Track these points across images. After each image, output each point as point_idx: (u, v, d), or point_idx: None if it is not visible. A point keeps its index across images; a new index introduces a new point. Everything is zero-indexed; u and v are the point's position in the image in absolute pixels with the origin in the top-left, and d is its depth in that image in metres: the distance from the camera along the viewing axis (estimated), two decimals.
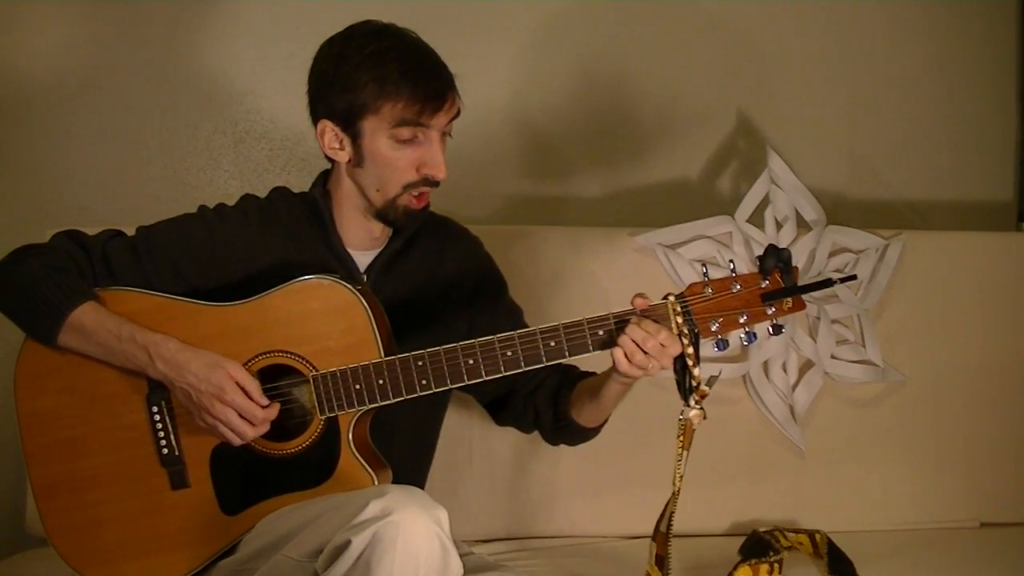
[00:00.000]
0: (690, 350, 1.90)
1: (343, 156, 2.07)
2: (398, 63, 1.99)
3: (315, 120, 2.08)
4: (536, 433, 2.28)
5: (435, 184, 2.06)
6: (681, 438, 1.96)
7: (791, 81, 3.10)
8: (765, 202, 2.75)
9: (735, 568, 2.29)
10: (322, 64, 2.05)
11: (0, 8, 2.88)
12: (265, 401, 1.97)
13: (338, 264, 2.12)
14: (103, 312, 2.00)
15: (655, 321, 1.89)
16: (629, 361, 1.89)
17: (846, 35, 3.10)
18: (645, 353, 1.88)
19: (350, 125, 2.03)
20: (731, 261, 1.97)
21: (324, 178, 2.18)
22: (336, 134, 2.05)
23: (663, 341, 1.88)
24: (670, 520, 2.03)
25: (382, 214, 2.09)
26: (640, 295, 1.92)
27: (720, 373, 1.98)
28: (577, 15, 3.03)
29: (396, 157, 2.02)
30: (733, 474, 2.69)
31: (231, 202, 2.20)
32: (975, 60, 3.15)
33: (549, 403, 2.20)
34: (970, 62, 3.15)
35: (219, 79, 2.94)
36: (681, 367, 1.93)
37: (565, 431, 2.20)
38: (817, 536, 2.50)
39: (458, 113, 2.07)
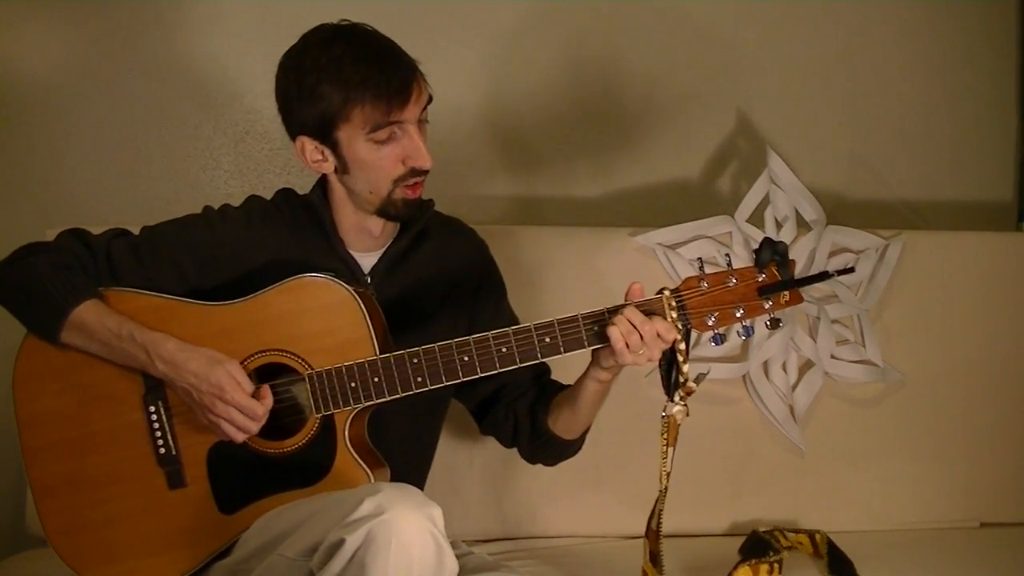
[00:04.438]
0: (682, 346, 1.89)
1: (328, 167, 2.07)
2: (355, 67, 1.96)
3: (292, 138, 2.07)
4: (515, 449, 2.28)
5: (423, 173, 2.05)
6: (665, 435, 1.96)
7: (791, 81, 3.10)
8: (765, 202, 2.74)
9: (735, 568, 2.28)
10: (284, 82, 2.03)
11: (0, 8, 2.88)
12: (264, 394, 1.98)
13: (342, 266, 2.12)
14: (104, 310, 2.01)
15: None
16: (625, 342, 1.88)
17: (846, 35, 3.10)
18: (641, 337, 1.87)
19: (326, 136, 2.02)
20: (727, 255, 1.96)
21: (322, 182, 2.18)
22: (316, 147, 2.04)
23: (660, 330, 1.87)
24: (659, 517, 2.03)
25: (382, 211, 2.08)
26: (636, 283, 1.93)
27: (709, 371, 1.97)
28: (577, 15, 3.03)
29: (379, 157, 2.01)
30: (733, 474, 2.69)
31: (232, 202, 2.20)
32: (975, 60, 3.15)
33: (527, 412, 2.20)
34: (970, 62, 3.15)
35: (219, 79, 2.95)
36: (668, 362, 1.92)
37: (542, 443, 2.19)
38: (817, 536, 2.50)
39: (430, 99, 2.05)
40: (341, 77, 1.96)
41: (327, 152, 2.04)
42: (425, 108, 2.04)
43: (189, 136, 2.97)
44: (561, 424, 2.15)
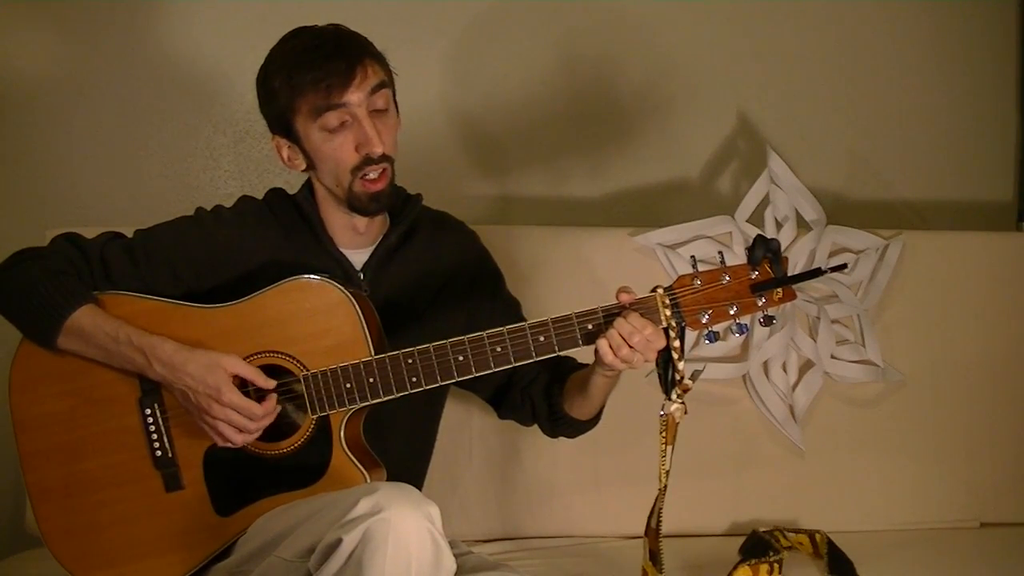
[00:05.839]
0: (676, 343, 1.89)
1: (300, 164, 2.10)
2: (299, 58, 2.01)
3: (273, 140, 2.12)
4: (536, 427, 2.28)
5: (378, 161, 2.03)
6: (664, 434, 1.96)
7: (791, 81, 3.09)
8: (765, 202, 2.74)
9: (735, 568, 2.29)
10: (256, 87, 2.09)
11: (0, 9, 2.89)
12: (272, 383, 1.97)
13: (335, 264, 2.13)
14: (100, 315, 2.01)
15: (642, 315, 1.89)
16: (614, 354, 1.89)
17: (846, 35, 3.10)
18: (631, 347, 1.88)
19: (288, 132, 2.06)
20: (720, 252, 1.96)
21: (310, 181, 2.18)
22: (288, 145, 2.08)
23: (649, 336, 1.88)
24: (659, 516, 2.03)
25: (352, 206, 2.08)
26: (624, 289, 1.92)
27: (704, 368, 1.97)
28: (576, 14, 3.03)
29: (333, 147, 2.03)
30: (733, 474, 2.69)
31: (230, 202, 2.21)
32: (975, 60, 3.14)
33: (543, 396, 2.20)
34: (970, 62, 3.14)
35: (219, 79, 2.95)
36: (664, 360, 1.92)
37: (561, 424, 2.21)
38: (817, 536, 2.50)
39: (382, 85, 2.04)
40: (287, 69, 2.01)
41: (296, 149, 2.08)
42: (376, 93, 2.03)
43: (188, 136, 2.97)
44: (576, 409, 2.16)
